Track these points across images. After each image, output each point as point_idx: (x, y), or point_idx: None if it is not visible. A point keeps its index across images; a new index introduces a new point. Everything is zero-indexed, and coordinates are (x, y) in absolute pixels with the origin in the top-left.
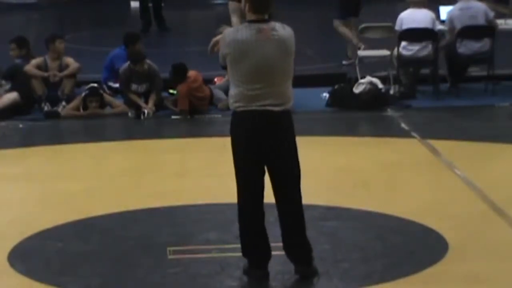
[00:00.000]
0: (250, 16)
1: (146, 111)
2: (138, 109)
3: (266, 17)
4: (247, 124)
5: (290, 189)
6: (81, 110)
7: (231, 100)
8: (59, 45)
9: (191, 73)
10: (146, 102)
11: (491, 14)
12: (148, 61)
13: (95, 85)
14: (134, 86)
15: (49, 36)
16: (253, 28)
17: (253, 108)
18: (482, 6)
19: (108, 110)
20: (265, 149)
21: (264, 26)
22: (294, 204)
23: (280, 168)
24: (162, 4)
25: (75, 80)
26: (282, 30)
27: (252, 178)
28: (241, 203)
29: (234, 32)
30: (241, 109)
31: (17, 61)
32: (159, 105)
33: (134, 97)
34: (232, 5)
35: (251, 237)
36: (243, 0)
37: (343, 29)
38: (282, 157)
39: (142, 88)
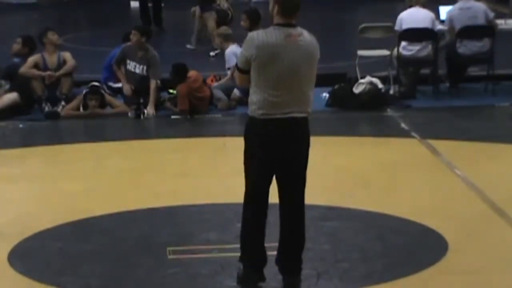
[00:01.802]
0: (278, 19)
1: (146, 111)
2: (138, 109)
3: (294, 21)
4: (269, 132)
5: (297, 196)
6: (81, 109)
7: (253, 106)
8: (52, 36)
9: (192, 73)
10: (145, 101)
11: (491, 14)
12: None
13: (96, 83)
14: (131, 64)
15: (41, 31)
16: (282, 32)
17: (278, 116)
18: (482, 6)
19: (108, 110)
20: (283, 155)
21: (292, 31)
22: (299, 211)
23: (292, 174)
24: (162, 4)
25: (72, 79)
26: (309, 37)
27: (264, 183)
28: (250, 209)
29: (263, 35)
30: (265, 116)
31: (16, 60)
32: (158, 98)
33: (121, 75)
34: None
35: (254, 241)
36: (271, 2)
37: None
38: (297, 165)
39: (139, 69)
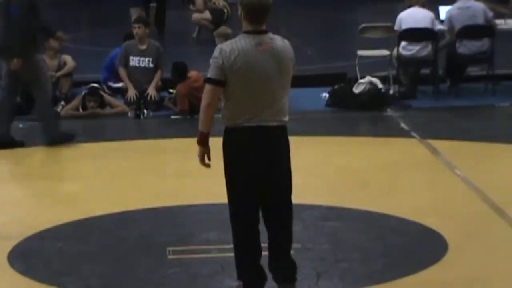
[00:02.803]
0: (246, 26)
1: (145, 111)
2: (138, 109)
3: (264, 27)
4: (245, 142)
5: (283, 209)
6: (80, 110)
7: (226, 117)
8: (54, 42)
9: (192, 73)
10: (145, 103)
11: (490, 13)
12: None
13: (96, 85)
14: (134, 60)
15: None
16: (252, 39)
17: (251, 124)
18: (480, 5)
19: (108, 110)
20: (261, 166)
21: (263, 38)
22: (286, 224)
23: (274, 185)
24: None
25: (71, 79)
26: (282, 42)
27: (250, 200)
28: (239, 232)
29: (233, 44)
30: (239, 125)
31: None
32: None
33: (126, 80)
34: None
35: (252, 265)
36: (239, 8)
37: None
38: (278, 174)
39: (144, 62)
